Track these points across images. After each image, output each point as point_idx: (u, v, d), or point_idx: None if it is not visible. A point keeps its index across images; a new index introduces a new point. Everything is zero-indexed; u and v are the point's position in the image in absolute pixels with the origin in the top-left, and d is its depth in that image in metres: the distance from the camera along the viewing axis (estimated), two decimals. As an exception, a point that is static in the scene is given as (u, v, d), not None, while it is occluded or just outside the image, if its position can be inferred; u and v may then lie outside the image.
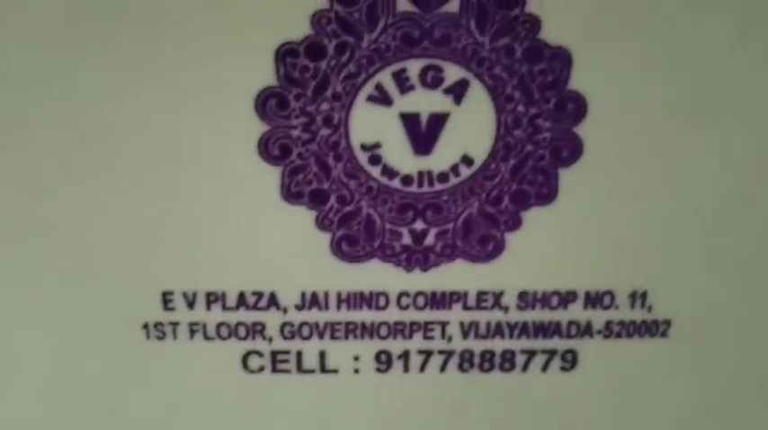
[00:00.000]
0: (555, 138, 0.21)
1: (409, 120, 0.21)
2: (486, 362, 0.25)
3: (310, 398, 0.25)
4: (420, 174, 0.22)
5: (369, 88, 0.21)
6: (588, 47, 0.20)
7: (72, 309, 0.23)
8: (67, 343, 0.24)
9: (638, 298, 0.24)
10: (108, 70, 0.20)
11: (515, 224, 0.23)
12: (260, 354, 0.24)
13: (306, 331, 0.24)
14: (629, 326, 0.24)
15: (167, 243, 0.22)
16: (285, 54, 0.20)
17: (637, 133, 0.21)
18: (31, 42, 0.20)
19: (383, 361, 0.25)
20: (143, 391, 0.25)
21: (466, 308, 0.24)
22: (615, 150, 0.22)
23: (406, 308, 0.24)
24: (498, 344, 0.24)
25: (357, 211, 0.22)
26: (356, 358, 0.24)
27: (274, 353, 0.24)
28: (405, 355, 0.25)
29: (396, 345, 0.24)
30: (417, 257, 0.23)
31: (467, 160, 0.22)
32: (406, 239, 0.23)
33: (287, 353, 0.24)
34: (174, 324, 0.24)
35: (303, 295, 0.23)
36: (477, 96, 0.21)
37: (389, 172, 0.22)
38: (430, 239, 0.23)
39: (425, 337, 0.24)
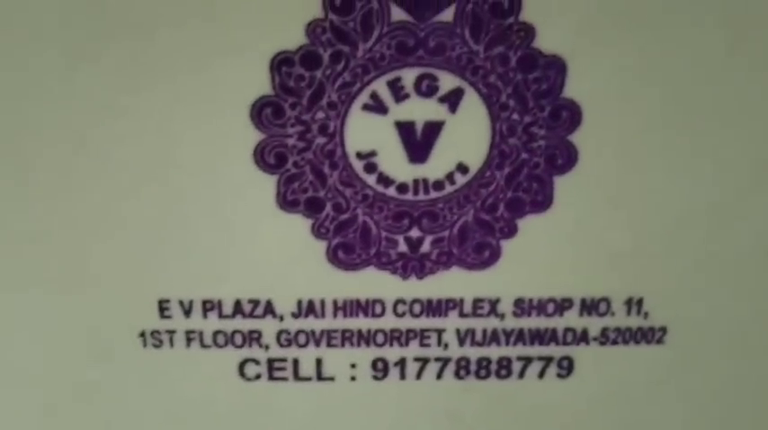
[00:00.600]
0: (550, 146, 0.21)
1: (404, 129, 0.21)
2: (483, 369, 0.25)
3: (307, 406, 0.25)
4: (415, 182, 0.22)
5: (364, 97, 0.21)
6: (582, 55, 0.20)
7: (69, 317, 0.23)
8: (65, 350, 0.24)
9: (634, 304, 0.24)
10: (104, 78, 0.20)
11: (511, 231, 0.23)
12: (257, 362, 0.24)
13: (302, 339, 0.24)
14: (626, 332, 0.24)
15: (164, 251, 0.22)
16: (280, 63, 0.20)
17: (631, 140, 0.21)
18: (27, 50, 0.20)
19: (380, 368, 0.25)
20: (140, 399, 0.25)
21: (462, 315, 0.24)
22: (610, 158, 0.22)
23: (403, 315, 0.24)
24: (495, 352, 0.24)
25: (353, 219, 0.22)
26: (353, 365, 0.24)
27: (271, 361, 0.24)
28: (401, 363, 0.25)
29: (392, 353, 0.24)
30: (413, 265, 0.23)
31: (462, 168, 0.22)
32: (402, 247, 0.23)
33: (283, 360, 0.24)
34: (171, 332, 0.24)
35: (299, 303, 0.23)
36: (472, 105, 0.21)
37: (385, 180, 0.22)
38: (426, 247, 0.23)
39: (422, 345, 0.24)
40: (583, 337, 0.24)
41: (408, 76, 0.20)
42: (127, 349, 0.24)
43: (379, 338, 0.24)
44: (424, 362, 0.25)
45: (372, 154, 0.21)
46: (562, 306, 0.24)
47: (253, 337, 0.24)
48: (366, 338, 0.24)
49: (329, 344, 0.24)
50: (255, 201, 0.22)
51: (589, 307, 0.24)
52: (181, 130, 0.21)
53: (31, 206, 0.22)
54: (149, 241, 0.22)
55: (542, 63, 0.20)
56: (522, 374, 0.25)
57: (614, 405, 0.25)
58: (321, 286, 0.23)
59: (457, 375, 0.25)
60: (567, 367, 0.25)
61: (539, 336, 0.24)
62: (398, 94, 0.21)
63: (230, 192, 0.22)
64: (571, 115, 0.21)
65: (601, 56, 0.20)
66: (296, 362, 0.24)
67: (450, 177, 0.22)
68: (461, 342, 0.24)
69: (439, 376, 0.25)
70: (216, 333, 0.24)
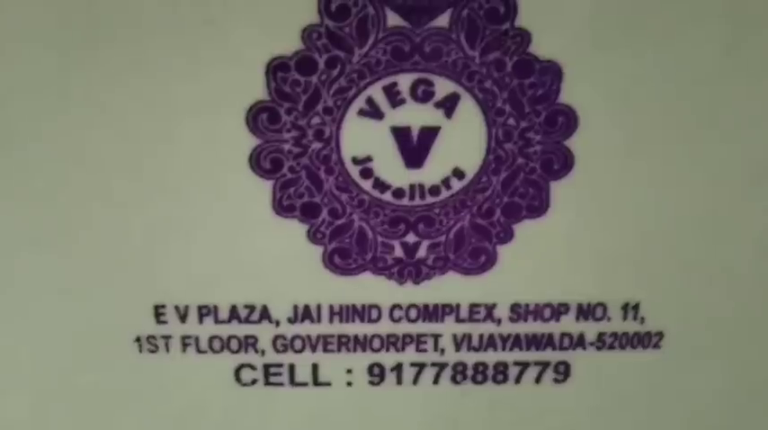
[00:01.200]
0: (546, 152, 0.21)
1: (400, 134, 0.21)
2: (479, 374, 0.25)
3: (303, 411, 0.25)
4: (411, 187, 0.22)
5: (360, 102, 0.21)
6: (578, 60, 0.20)
7: (64, 323, 0.23)
8: (60, 355, 0.24)
9: (631, 309, 0.24)
10: (100, 83, 0.20)
11: (507, 237, 0.23)
12: (252, 367, 0.24)
13: (298, 344, 0.24)
14: (622, 337, 0.24)
15: (159, 256, 0.22)
16: (276, 68, 0.20)
17: (627, 146, 0.21)
18: (23, 56, 0.20)
19: (376, 373, 0.25)
20: (135, 404, 0.25)
21: (458, 320, 0.24)
22: (606, 163, 0.22)
23: (399, 320, 0.24)
24: (491, 357, 0.24)
25: (349, 224, 0.22)
26: (349, 371, 0.24)
27: (267, 366, 0.24)
28: (397, 368, 0.25)
29: (388, 358, 0.24)
30: (409, 270, 0.23)
31: (458, 173, 0.22)
32: (399, 252, 0.23)
33: (279, 366, 0.24)
34: (167, 337, 0.24)
35: (295, 308, 0.23)
36: (468, 110, 0.21)
37: (381, 185, 0.22)
38: (422, 252, 0.23)
39: (418, 350, 0.24)
40: (579, 342, 0.24)
41: (404, 81, 0.20)
42: (123, 354, 0.24)
43: (376, 344, 0.24)
44: (420, 367, 0.25)
45: (368, 159, 0.21)
46: (558, 311, 0.24)
47: (249, 343, 0.24)
48: (362, 344, 0.24)
49: (325, 350, 0.24)
50: (251, 207, 0.22)
51: (585, 312, 0.24)
52: (177, 136, 0.21)
53: (27, 211, 0.22)
54: (145, 247, 0.22)
55: (538, 68, 0.20)
56: (518, 379, 0.25)
57: (611, 409, 0.25)
58: (317, 291, 0.23)
59: (453, 380, 0.25)
60: (563, 372, 0.25)
61: (535, 341, 0.24)
62: (394, 99, 0.21)
63: (226, 197, 0.22)
64: (567, 120, 0.21)
65: (596, 61, 0.20)
66: (292, 367, 0.24)
67: (446, 182, 0.22)
68: (458, 347, 0.24)
69: (435, 381, 0.25)
70: (212, 338, 0.24)
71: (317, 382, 0.25)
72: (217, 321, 0.23)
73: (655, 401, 0.25)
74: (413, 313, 0.24)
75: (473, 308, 0.24)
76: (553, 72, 0.20)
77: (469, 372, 0.25)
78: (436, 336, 0.24)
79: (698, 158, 0.22)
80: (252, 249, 0.22)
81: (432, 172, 0.22)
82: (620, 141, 0.21)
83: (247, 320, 0.23)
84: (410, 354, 0.24)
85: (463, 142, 0.21)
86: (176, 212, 0.22)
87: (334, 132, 0.21)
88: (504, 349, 0.24)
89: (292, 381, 0.24)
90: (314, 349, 0.24)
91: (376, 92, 0.21)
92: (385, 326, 0.24)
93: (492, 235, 0.23)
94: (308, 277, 0.23)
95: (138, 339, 0.24)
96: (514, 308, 0.24)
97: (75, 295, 0.23)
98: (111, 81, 0.20)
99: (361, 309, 0.23)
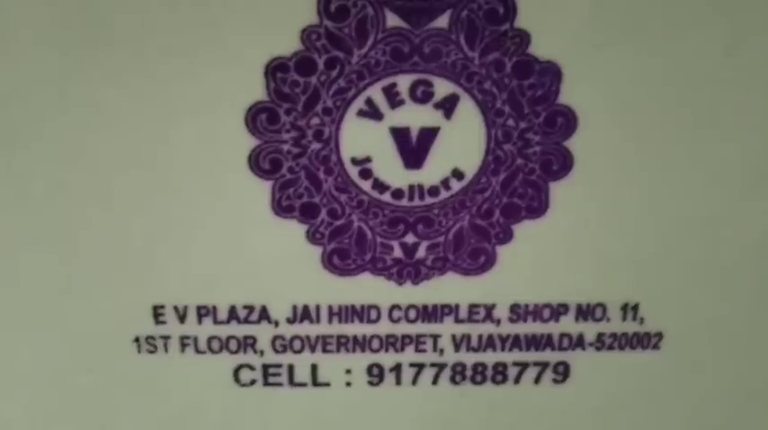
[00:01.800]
0: (545, 152, 0.21)
1: (399, 135, 0.21)
2: (479, 374, 0.25)
3: (302, 412, 0.25)
4: (411, 187, 0.22)
5: (359, 103, 0.21)
6: (577, 61, 0.20)
7: (63, 323, 0.23)
8: (58, 356, 0.24)
9: (630, 310, 0.24)
10: (99, 84, 0.20)
11: (506, 237, 0.23)
12: (251, 368, 0.24)
13: (297, 344, 0.24)
14: (621, 338, 0.24)
15: (158, 257, 0.22)
16: (275, 69, 0.20)
17: (626, 146, 0.21)
18: (23, 56, 0.20)
19: (375, 374, 0.25)
20: (134, 405, 0.25)
21: (458, 320, 0.24)
22: (605, 163, 0.22)
23: (398, 321, 0.24)
24: (490, 357, 0.24)
25: (348, 225, 0.22)
26: (348, 371, 0.24)
27: (266, 367, 0.24)
28: (397, 368, 0.25)
29: (387, 359, 0.24)
30: (409, 270, 0.23)
31: (457, 174, 0.22)
32: (398, 253, 0.23)
33: (278, 366, 0.24)
34: (166, 337, 0.24)
35: (294, 308, 0.23)
36: (468, 111, 0.21)
37: (380, 186, 0.22)
38: (421, 253, 0.23)
39: (417, 350, 0.24)
40: (579, 343, 0.24)
41: (403, 82, 0.20)
42: (121, 355, 0.24)
43: (375, 344, 0.24)
44: (419, 367, 0.25)
45: (367, 160, 0.21)
46: (558, 311, 0.24)
47: (248, 343, 0.24)
48: (361, 344, 0.24)
49: (324, 350, 0.24)
50: (250, 207, 0.22)
51: (585, 312, 0.24)
52: (176, 136, 0.21)
53: (27, 212, 0.22)
54: (144, 247, 0.22)
55: (537, 69, 0.20)
56: (517, 380, 0.25)
57: (610, 410, 0.25)
58: (316, 292, 0.23)
59: (453, 381, 0.25)
60: (562, 372, 0.25)
61: (534, 342, 0.24)
62: (393, 100, 0.21)
63: (225, 197, 0.22)
64: (566, 121, 0.21)
65: (596, 62, 0.20)
66: (291, 367, 0.24)
67: (445, 183, 0.22)
68: (457, 347, 0.24)
69: (434, 382, 0.25)
70: (210, 338, 0.24)
71: (316, 383, 0.25)
72: (216, 321, 0.23)
73: (654, 402, 0.25)
74: (412, 313, 0.24)
75: (472, 308, 0.24)
76: (552, 73, 0.20)
77: (469, 373, 0.25)
78: (435, 337, 0.24)
79: (697, 159, 0.22)
80: (251, 250, 0.22)
81: (431, 172, 0.22)
82: (619, 142, 0.21)
83: (246, 321, 0.23)
84: (409, 355, 0.24)
85: (462, 143, 0.21)
86: (175, 213, 0.22)
87: (334, 133, 0.21)
88: (503, 349, 0.24)
89: (291, 382, 0.25)
90: (313, 349, 0.24)
91: (375, 92, 0.21)
92: (384, 327, 0.24)
93: (491, 235, 0.23)
94: (307, 277, 0.23)
95: (136, 339, 0.24)
96: (514, 308, 0.24)
97: (74, 295, 0.23)
98: (110, 81, 0.20)
99: (361, 309, 0.23)
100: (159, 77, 0.20)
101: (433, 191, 0.22)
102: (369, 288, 0.23)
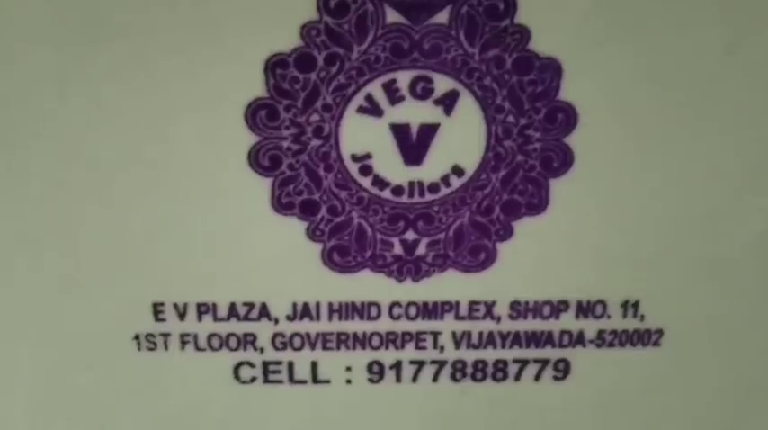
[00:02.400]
0: (545, 149, 0.21)
1: (399, 131, 0.21)
2: (479, 371, 0.25)
3: (302, 409, 0.25)
4: (411, 184, 0.22)
5: (359, 99, 0.21)
6: (578, 57, 0.20)
7: (63, 321, 0.23)
8: (58, 354, 0.24)
9: (630, 307, 0.24)
10: (98, 82, 0.20)
11: (507, 234, 0.23)
12: (251, 365, 0.24)
13: (297, 342, 0.24)
14: (622, 335, 0.24)
15: (158, 254, 0.22)
16: (275, 65, 0.20)
17: (626, 143, 0.21)
18: (21, 55, 0.20)
19: (375, 371, 0.25)
20: (134, 402, 0.25)
21: (458, 318, 0.24)
22: (605, 160, 0.22)
23: (398, 318, 0.24)
24: (490, 354, 0.24)
25: (348, 222, 0.22)
26: (348, 369, 0.24)
27: (266, 364, 0.24)
28: (397, 366, 0.25)
29: (388, 356, 0.24)
30: (409, 267, 0.23)
31: (457, 170, 0.22)
32: (398, 249, 0.23)
33: (279, 363, 0.24)
34: (166, 335, 0.24)
35: (294, 306, 0.23)
36: (468, 107, 0.21)
37: (380, 182, 0.22)
38: (421, 249, 0.23)
39: (417, 347, 0.24)
40: (579, 340, 0.24)
41: (403, 78, 0.20)
42: (121, 352, 0.24)
43: (375, 341, 0.24)
44: (419, 364, 0.25)
45: (367, 156, 0.21)
46: (558, 308, 0.24)
47: (248, 340, 0.24)
48: (361, 341, 0.24)
49: (324, 347, 0.24)
50: (250, 204, 0.22)
51: (585, 309, 0.24)
52: (175, 133, 0.21)
53: (26, 209, 0.22)
54: (144, 244, 0.22)
55: (538, 65, 0.20)
56: (518, 377, 0.25)
57: (611, 407, 0.25)
58: (316, 289, 0.23)
59: (453, 378, 0.25)
60: (563, 369, 0.25)
61: (535, 339, 0.24)
62: (393, 96, 0.21)
63: (225, 194, 0.22)
64: (566, 118, 0.21)
65: (596, 58, 0.20)
66: (291, 365, 0.24)
67: (445, 180, 0.22)
68: (457, 344, 0.24)
69: (435, 379, 0.25)
70: (210, 336, 0.24)
71: (316, 380, 0.25)
72: (216, 319, 0.23)
73: (654, 399, 0.25)
74: (412, 311, 0.24)
75: (472, 305, 0.24)
76: (553, 69, 0.20)
77: (469, 370, 0.25)
78: (436, 334, 0.24)
79: (697, 156, 0.22)
80: (251, 247, 0.22)
81: (431, 169, 0.22)
82: (619, 138, 0.21)
83: (246, 318, 0.23)
84: (409, 352, 0.24)
85: (462, 139, 0.21)
86: (175, 210, 0.22)
87: (334, 129, 0.21)
88: (503, 346, 0.24)
89: (291, 379, 0.24)
90: (313, 347, 0.24)
91: (375, 89, 0.21)
92: (384, 324, 0.24)
93: (491, 232, 0.23)
94: (307, 275, 0.23)
95: (136, 337, 0.24)
96: (514, 305, 0.24)
97: (73, 293, 0.23)
98: (110, 79, 0.20)
99: (361, 306, 0.23)
100: (159, 75, 0.20)
101: (433, 187, 0.22)
102: (369, 285, 0.23)
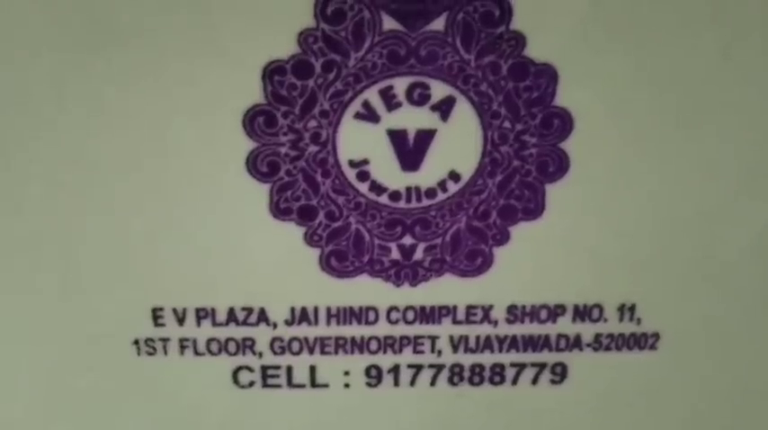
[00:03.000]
0: (541, 154, 0.21)
1: (396, 137, 0.21)
2: (476, 375, 0.25)
3: (301, 413, 0.25)
4: (408, 189, 0.22)
5: (356, 105, 0.21)
6: (573, 63, 0.20)
7: (62, 326, 0.23)
8: (58, 359, 0.24)
9: (627, 311, 0.24)
10: (96, 88, 0.20)
11: (503, 239, 0.23)
12: (250, 370, 0.24)
13: (296, 346, 0.24)
14: (618, 338, 0.24)
15: (157, 259, 0.22)
16: (272, 72, 0.20)
17: (622, 148, 0.21)
18: (20, 59, 0.20)
19: (373, 375, 0.25)
20: (134, 407, 0.25)
21: (455, 322, 0.24)
22: (601, 165, 0.22)
23: (396, 322, 0.24)
24: (488, 358, 0.25)
25: (346, 227, 0.22)
26: (346, 373, 0.24)
27: (265, 369, 0.24)
28: (395, 370, 0.25)
29: (386, 360, 0.24)
30: (406, 272, 0.23)
31: (454, 176, 0.22)
32: (395, 254, 0.23)
33: (277, 368, 0.24)
34: (165, 339, 0.24)
35: (293, 310, 0.23)
36: (464, 113, 0.21)
37: (377, 188, 0.22)
38: (418, 254, 0.23)
39: (415, 352, 0.24)
40: (576, 343, 0.24)
41: (400, 84, 0.21)
42: (121, 357, 0.24)
43: (373, 345, 0.24)
44: (417, 368, 0.25)
45: (365, 162, 0.21)
46: (555, 312, 0.24)
47: (246, 345, 0.24)
48: (359, 345, 0.24)
49: (323, 352, 0.24)
50: (248, 210, 0.22)
51: (582, 313, 0.24)
52: (174, 139, 0.21)
53: (25, 214, 0.22)
54: (142, 250, 0.22)
55: (533, 71, 0.20)
56: (515, 381, 0.25)
57: (607, 411, 0.25)
58: (314, 294, 0.23)
59: (450, 382, 0.25)
60: (560, 373, 0.25)
61: (532, 343, 0.24)
62: (390, 102, 0.21)
63: (223, 200, 0.22)
64: (562, 123, 0.21)
65: (592, 64, 0.20)
66: (289, 369, 0.24)
67: (442, 185, 0.22)
68: (455, 349, 0.24)
69: (432, 383, 0.25)
70: (209, 340, 0.24)
71: (314, 384, 0.25)
72: (214, 324, 0.23)
73: (651, 402, 0.25)
74: (410, 315, 0.24)
75: (470, 309, 0.24)
76: (548, 75, 0.20)
77: (466, 374, 0.25)
78: (433, 338, 0.24)
79: (693, 160, 0.22)
80: (249, 252, 0.22)
81: (428, 174, 0.22)
82: (615, 144, 0.21)
83: (245, 323, 0.24)
84: (407, 356, 0.24)
85: (459, 145, 0.21)
86: (174, 215, 0.22)
87: (331, 135, 0.21)
88: (500, 350, 0.24)
89: (290, 383, 0.25)
90: (311, 351, 0.24)
91: (372, 95, 0.21)
92: (382, 328, 0.24)
93: (488, 237, 0.23)
94: (305, 279, 0.23)
95: (136, 342, 0.24)
96: (511, 309, 0.24)
97: (73, 298, 0.23)
98: (109, 84, 0.20)
99: (359, 311, 0.24)
100: (158, 81, 0.20)
101: (430, 193, 0.22)
102: (366, 289, 0.23)
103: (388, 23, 0.20)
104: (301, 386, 0.25)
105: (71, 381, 0.24)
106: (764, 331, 0.24)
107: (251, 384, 0.24)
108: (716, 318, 0.24)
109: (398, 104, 0.21)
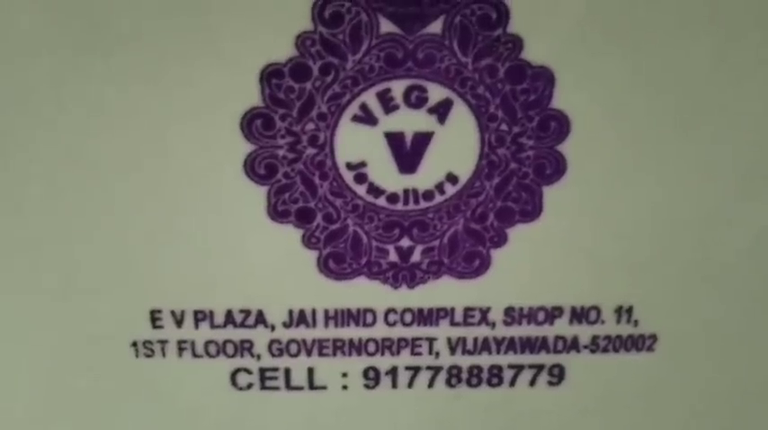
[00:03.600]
0: (538, 156, 0.22)
1: (394, 140, 0.21)
2: (474, 377, 0.25)
3: (299, 415, 0.25)
4: (405, 192, 0.22)
5: (353, 108, 0.21)
6: (570, 66, 0.20)
7: (60, 328, 0.23)
8: (56, 361, 0.24)
9: (624, 312, 0.24)
10: (96, 90, 0.20)
11: (501, 241, 0.23)
12: (248, 372, 0.24)
13: (294, 348, 0.24)
14: (616, 340, 0.24)
15: (155, 261, 0.23)
16: (270, 75, 0.20)
17: (619, 150, 0.21)
18: (19, 61, 0.20)
19: (371, 377, 0.25)
20: (132, 409, 0.25)
21: (453, 324, 0.24)
22: (598, 167, 0.22)
23: (394, 324, 0.24)
24: (485, 360, 0.25)
25: (343, 229, 0.22)
26: (344, 375, 0.25)
27: (263, 371, 0.24)
28: (393, 371, 0.25)
29: (384, 362, 0.24)
30: (404, 274, 0.23)
31: (451, 178, 0.22)
32: (393, 256, 0.23)
33: (275, 370, 0.24)
34: (163, 342, 0.24)
35: (291, 312, 0.23)
36: (461, 115, 0.21)
37: (375, 190, 0.22)
38: (416, 256, 0.23)
39: (413, 353, 0.24)
40: (573, 345, 0.24)
41: (397, 87, 0.21)
42: (119, 359, 0.24)
43: (371, 347, 0.24)
44: (415, 370, 0.25)
45: (362, 164, 0.21)
46: (552, 314, 0.24)
47: (244, 347, 0.24)
48: (357, 347, 0.24)
49: (321, 354, 0.24)
50: (246, 212, 0.22)
51: (579, 315, 0.24)
52: (171, 142, 0.21)
53: (23, 217, 0.22)
54: (141, 252, 0.22)
55: (530, 74, 0.20)
56: (513, 382, 0.25)
57: (605, 412, 0.25)
58: (312, 296, 0.23)
59: (448, 384, 0.25)
60: (557, 375, 0.25)
61: (529, 345, 0.24)
62: (388, 105, 0.21)
63: (221, 202, 0.22)
64: (559, 126, 0.21)
65: (589, 66, 0.20)
66: (287, 371, 0.24)
67: (439, 187, 0.22)
68: (452, 350, 0.24)
69: (430, 385, 0.25)
70: (207, 343, 0.24)
71: (312, 386, 0.25)
72: (213, 326, 0.24)
73: (649, 404, 0.25)
74: (408, 317, 0.24)
75: (467, 311, 0.24)
76: (545, 77, 0.20)
77: (464, 376, 0.25)
78: (431, 340, 0.24)
79: (690, 162, 0.22)
80: (247, 254, 0.23)
81: (425, 177, 0.22)
82: (612, 146, 0.21)
83: (243, 325, 0.24)
84: (405, 358, 0.24)
85: (456, 147, 0.21)
86: (172, 217, 0.22)
87: (329, 138, 0.21)
88: (498, 352, 0.24)
89: (288, 385, 0.25)
90: (309, 353, 0.24)
91: (370, 98, 0.21)
92: (380, 330, 0.24)
93: (486, 239, 0.23)
94: (303, 282, 0.23)
95: (134, 344, 0.24)
96: (509, 311, 0.24)
97: (71, 300, 0.23)
98: (107, 86, 0.20)
99: (356, 313, 0.24)
100: (156, 82, 0.20)
101: (428, 195, 0.22)
102: (364, 292, 0.23)
103: (386, 26, 0.20)
104: (299, 388, 0.25)
105: (69, 383, 0.24)
106: (762, 332, 0.24)
107: (249, 386, 0.25)
108: (713, 320, 0.24)
109: (396, 107, 0.21)
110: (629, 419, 0.26)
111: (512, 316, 0.24)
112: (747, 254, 0.23)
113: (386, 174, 0.22)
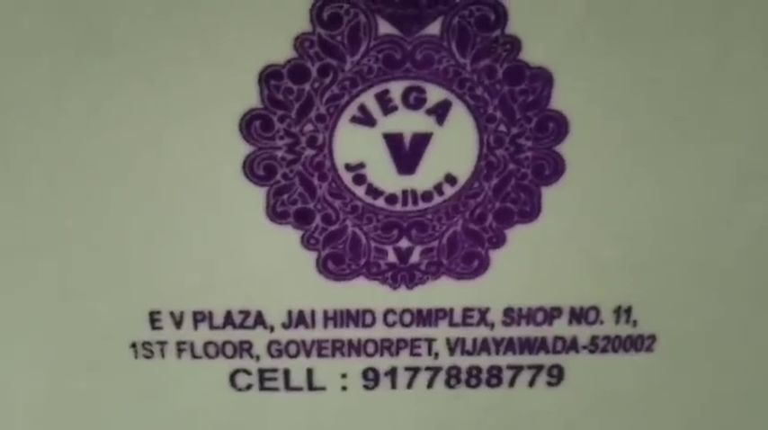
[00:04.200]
0: (537, 157, 0.22)
1: (393, 141, 0.21)
2: (473, 378, 0.25)
3: (298, 416, 0.25)
4: (404, 193, 0.22)
5: (352, 109, 0.21)
6: (569, 66, 0.20)
7: (60, 328, 0.23)
8: (55, 361, 0.24)
9: (623, 313, 0.24)
10: (94, 91, 0.20)
11: (499, 241, 0.23)
12: (247, 372, 0.24)
13: (293, 349, 0.24)
14: (615, 341, 0.24)
15: (154, 263, 0.23)
16: (269, 76, 0.20)
17: (618, 151, 0.21)
18: (18, 63, 0.20)
19: (370, 378, 0.25)
20: (131, 410, 0.25)
21: (452, 324, 0.24)
22: (597, 168, 0.22)
23: (393, 325, 0.24)
24: (485, 360, 0.25)
25: (342, 230, 0.22)
26: (343, 375, 0.25)
27: (262, 371, 0.24)
28: (392, 372, 0.25)
29: (383, 363, 0.24)
30: (403, 275, 0.23)
31: (450, 179, 0.22)
32: (392, 257, 0.23)
33: (274, 371, 0.24)
34: (162, 343, 0.24)
35: (290, 313, 0.24)
36: (460, 116, 0.21)
37: (374, 191, 0.22)
38: (415, 257, 0.23)
39: (412, 354, 0.24)
40: (572, 346, 0.24)
41: (396, 88, 0.21)
42: (118, 360, 0.24)
43: (370, 348, 0.24)
44: (414, 371, 0.25)
45: (361, 165, 0.22)
46: (551, 315, 0.24)
47: (243, 348, 0.24)
48: (357, 348, 0.24)
49: (320, 355, 0.24)
50: (245, 213, 0.22)
51: (578, 315, 0.24)
52: (170, 143, 0.21)
53: (22, 218, 0.22)
54: (140, 253, 0.22)
55: (529, 75, 0.20)
56: (512, 383, 0.25)
57: (604, 413, 0.25)
58: (311, 297, 0.23)
59: (447, 384, 0.25)
60: (556, 375, 0.25)
61: (528, 345, 0.24)
62: (386, 106, 0.21)
63: (220, 204, 0.22)
64: (558, 126, 0.21)
65: (587, 67, 0.20)
66: (287, 372, 0.24)
67: (438, 188, 0.22)
68: (452, 351, 0.24)
69: (429, 385, 0.25)
70: (207, 344, 0.24)
71: (311, 387, 0.25)
72: (212, 327, 0.24)
73: (648, 404, 0.25)
74: (407, 318, 0.24)
75: (466, 312, 0.24)
76: (544, 78, 0.21)
77: (463, 376, 0.25)
78: (430, 341, 0.24)
79: (689, 163, 0.22)
80: (246, 255, 0.23)
81: (424, 178, 0.22)
82: (610, 146, 0.21)
83: (242, 326, 0.24)
84: (404, 359, 0.24)
85: (455, 148, 0.21)
86: (171, 219, 0.22)
87: (327, 139, 0.21)
88: (497, 353, 0.24)
89: (287, 386, 0.25)
90: (308, 354, 0.24)
91: (368, 99, 0.21)
92: (379, 331, 0.24)
93: (484, 240, 0.23)
94: (302, 283, 0.23)
95: (133, 345, 0.24)
96: (507, 312, 0.24)
97: (70, 301, 0.23)
98: (105, 88, 0.20)
99: (356, 313, 0.24)
100: (155, 85, 0.20)
101: (427, 196, 0.22)
102: (363, 292, 0.23)
103: (384, 28, 0.20)
104: (298, 389, 0.25)
105: (69, 384, 0.24)
106: (761, 332, 0.24)
107: (248, 387, 0.25)
108: (712, 321, 0.24)
109: (394, 108, 0.21)
110: (628, 419, 0.26)
111: (511, 316, 0.24)
112: (747, 254, 0.23)
113: (385, 175, 0.22)
